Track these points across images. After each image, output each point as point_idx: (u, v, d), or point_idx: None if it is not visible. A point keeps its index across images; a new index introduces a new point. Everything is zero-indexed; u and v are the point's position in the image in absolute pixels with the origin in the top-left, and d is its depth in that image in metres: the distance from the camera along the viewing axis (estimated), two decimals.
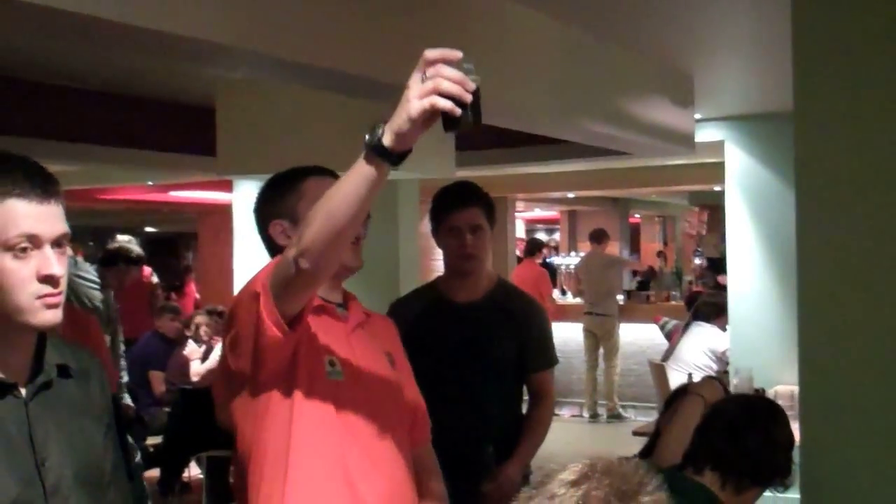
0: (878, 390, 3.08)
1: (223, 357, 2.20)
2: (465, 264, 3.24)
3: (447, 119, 1.66)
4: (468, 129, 1.66)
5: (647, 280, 13.06)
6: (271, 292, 1.95)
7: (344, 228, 1.83)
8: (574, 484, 1.27)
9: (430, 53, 1.67)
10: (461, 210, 3.22)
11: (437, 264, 10.32)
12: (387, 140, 1.71)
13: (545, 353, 3.36)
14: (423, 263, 8.04)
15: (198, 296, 12.58)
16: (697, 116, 6.01)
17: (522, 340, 3.27)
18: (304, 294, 1.98)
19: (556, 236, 21.09)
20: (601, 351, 9.99)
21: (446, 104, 1.63)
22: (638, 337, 10.42)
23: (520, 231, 18.19)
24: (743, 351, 6.61)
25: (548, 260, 14.58)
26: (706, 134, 6.60)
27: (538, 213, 20.16)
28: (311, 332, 2.12)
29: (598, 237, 10.68)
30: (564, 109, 4.29)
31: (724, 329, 7.17)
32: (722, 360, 7.02)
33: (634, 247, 18.49)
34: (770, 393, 5.70)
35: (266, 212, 2.32)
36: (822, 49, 3.17)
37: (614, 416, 9.83)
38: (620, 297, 11.31)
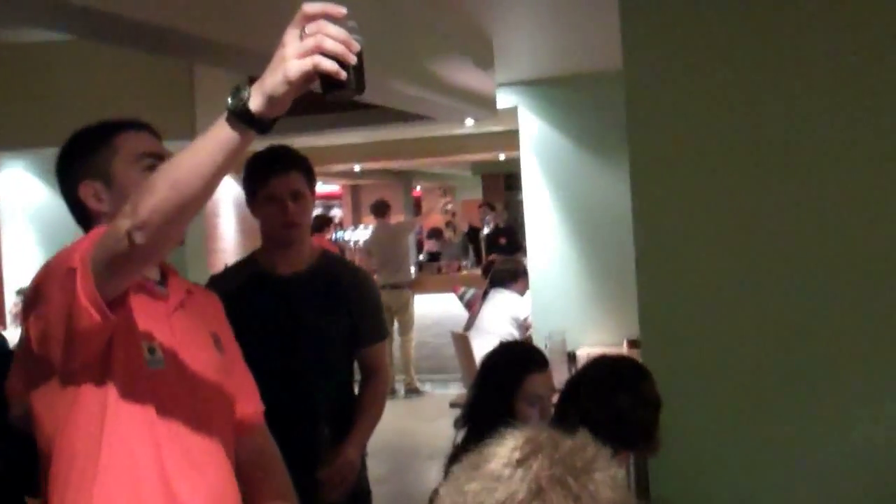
0: (715, 348, 3.10)
1: (25, 341, 1.88)
2: (287, 233, 3.01)
3: (327, 82, 1.46)
4: (350, 94, 1.49)
5: (437, 252, 13.11)
6: (91, 269, 1.67)
7: (192, 201, 1.58)
8: (521, 463, 1.09)
9: (310, 8, 1.47)
10: (280, 176, 2.98)
11: (222, 244, 9.97)
12: (255, 104, 1.49)
13: (377, 326, 3.17)
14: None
15: None
16: None
17: (353, 313, 3.06)
18: (132, 273, 1.73)
19: (335, 212, 20.90)
20: (396, 325, 9.87)
21: (331, 65, 1.44)
22: (431, 308, 10.41)
23: None
24: (544, 316, 6.65)
25: (335, 235, 14.38)
26: (500, 100, 6.57)
27: (320, 187, 19.87)
28: (129, 314, 1.85)
29: (381, 209, 10.55)
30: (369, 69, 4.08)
31: (522, 294, 7.20)
32: (523, 326, 7.05)
33: None
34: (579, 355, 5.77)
35: (73, 172, 2.02)
36: (649, 12, 3.14)
37: (412, 391, 9.75)
38: (412, 269, 11.25)
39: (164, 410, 1.89)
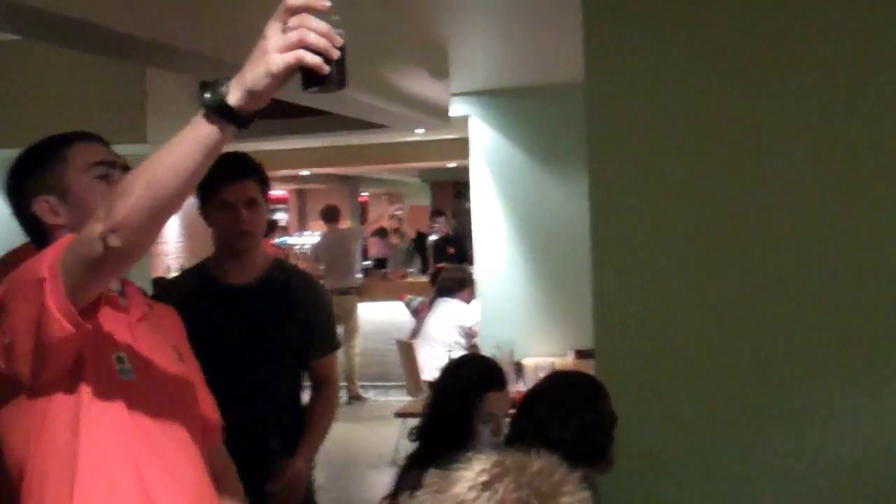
0: (673, 359, 3.12)
1: None
2: (240, 242, 2.98)
3: (309, 77, 1.45)
4: (332, 89, 1.47)
5: (383, 258, 13.09)
6: (62, 278, 1.64)
7: (170, 200, 1.55)
8: (486, 486, 1.09)
9: (293, 1, 1.45)
10: (234, 183, 2.95)
11: (165, 246, 9.83)
12: (234, 99, 1.47)
13: (329, 337, 3.16)
14: None
15: None
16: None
17: (306, 324, 3.04)
18: (106, 278, 1.70)
19: (279, 216, 20.69)
20: (340, 331, 9.80)
21: (314, 60, 1.43)
22: (375, 315, 10.33)
23: None
24: (491, 326, 6.66)
25: (280, 240, 14.27)
26: (452, 109, 6.57)
27: None
28: (98, 324, 1.81)
29: (332, 215, 10.51)
30: None
31: (468, 302, 7.22)
32: (469, 334, 7.07)
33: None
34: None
35: (25, 189, 1.98)
36: (612, 24, 3.16)
37: (355, 398, 9.70)
38: (359, 275, 11.22)
39: (139, 421, 1.86)
